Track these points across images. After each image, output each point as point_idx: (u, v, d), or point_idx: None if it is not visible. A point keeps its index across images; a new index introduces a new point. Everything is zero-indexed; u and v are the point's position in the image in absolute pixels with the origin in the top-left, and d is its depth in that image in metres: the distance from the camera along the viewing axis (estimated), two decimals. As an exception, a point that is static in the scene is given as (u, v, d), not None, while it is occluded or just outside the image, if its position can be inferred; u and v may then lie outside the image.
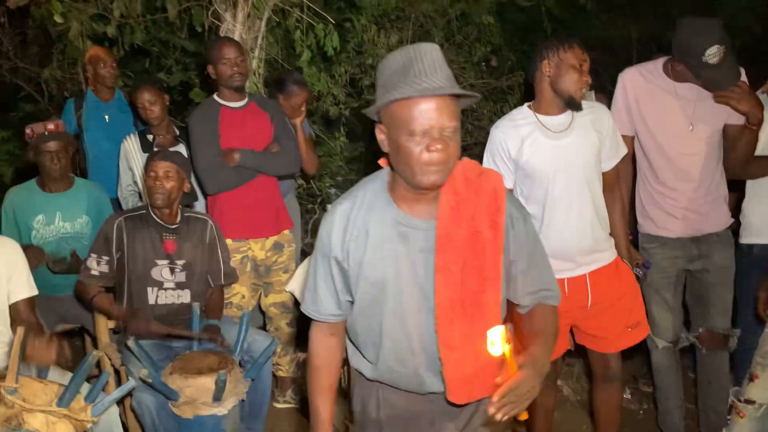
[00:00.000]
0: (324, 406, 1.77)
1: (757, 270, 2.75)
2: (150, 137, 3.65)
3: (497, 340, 1.42)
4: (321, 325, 1.78)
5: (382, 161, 1.70)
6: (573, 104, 2.47)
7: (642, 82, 2.80)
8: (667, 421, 3.05)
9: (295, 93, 3.62)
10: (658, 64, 2.81)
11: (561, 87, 2.45)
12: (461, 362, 1.62)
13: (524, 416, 1.44)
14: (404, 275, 1.63)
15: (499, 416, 1.38)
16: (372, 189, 1.68)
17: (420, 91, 1.47)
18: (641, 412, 3.51)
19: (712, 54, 2.53)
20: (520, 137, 2.50)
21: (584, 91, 2.48)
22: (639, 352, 3.54)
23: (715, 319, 2.85)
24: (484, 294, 1.62)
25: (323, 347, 1.79)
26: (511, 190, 2.57)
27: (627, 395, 3.58)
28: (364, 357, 1.78)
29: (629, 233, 2.82)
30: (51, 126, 3.24)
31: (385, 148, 1.60)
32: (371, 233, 1.64)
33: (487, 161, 2.58)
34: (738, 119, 2.73)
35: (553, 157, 2.48)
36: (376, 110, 1.58)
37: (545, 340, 1.63)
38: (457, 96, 1.54)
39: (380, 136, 1.60)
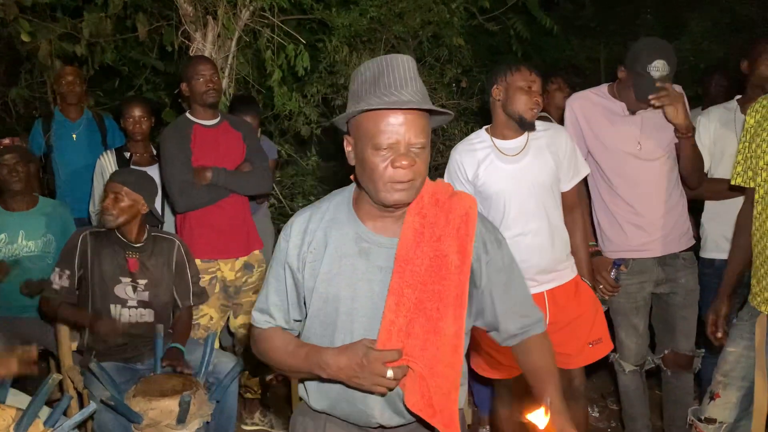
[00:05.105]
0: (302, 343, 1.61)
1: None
2: (127, 155, 3.64)
3: (540, 420, 1.37)
4: (274, 328, 1.66)
5: (353, 176, 1.62)
6: (525, 125, 2.54)
7: (590, 105, 2.86)
8: (635, 440, 3.07)
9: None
10: (603, 87, 2.88)
11: (511, 109, 2.53)
12: (411, 387, 1.53)
13: None
14: (359, 294, 1.55)
15: None
16: (336, 202, 1.62)
17: (388, 103, 1.41)
18: (609, 430, 3.52)
19: (656, 67, 2.61)
20: (477, 161, 2.56)
21: (535, 112, 2.53)
22: (606, 371, 3.58)
23: (680, 341, 2.88)
24: (442, 321, 1.53)
25: (280, 336, 1.64)
26: None
27: (595, 414, 3.60)
28: (312, 385, 1.66)
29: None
30: (6, 141, 3.22)
31: (351, 161, 1.54)
32: (330, 246, 1.56)
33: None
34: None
35: (507, 180, 2.54)
36: (343, 120, 1.53)
37: (555, 379, 1.62)
38: (429, 112, 1.48)
39: (347, 147, 1.54)
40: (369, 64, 1.51)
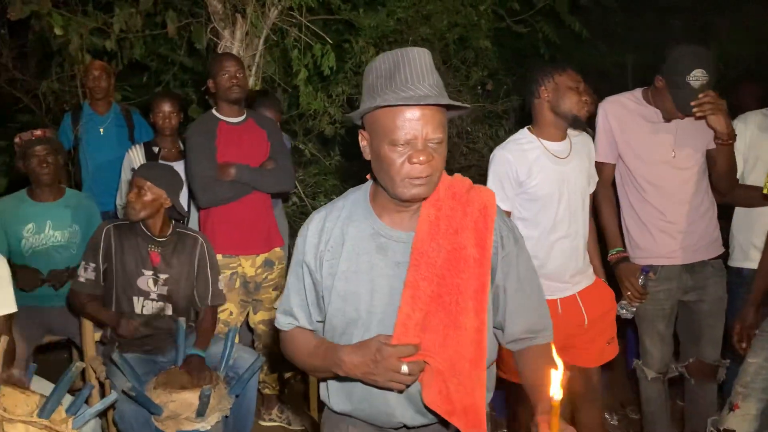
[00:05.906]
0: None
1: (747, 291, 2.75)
2: (155, 149, 3.68)
3: (556, 384, 1.23)
4: (297, 329, 1.65)
5: (370, 174, 1.61)
6: (578, 123, 2.56)
7: (623, 110, 2.82)
8: (655, 449, 3.03)
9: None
10: (637, 92, 2.83)
11: (563, 109, 2.52)
12: (428, 382, 1.50)
13: None
14: (378, 290, 1.53)
15: None
16: (353, 199, 1.61)
17: (404, 99, 1.39)
18: (628, 439, 3.50)
19: (696, 77, 2.57)
20: (529, 161, 2.54)
21: (586, 110, 2.54)
22: (626, 380, 3.54)
23: (705, 350, 2.85)
24: (462, 315, 1.50)
25: (302, 336, 1.64)
26: (509, 213, 2.59)
27: (614, 422, 3.56)
28: (333, 387, 1.64)
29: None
30: (38, 132, 3.26)
31: (366, 155, 1.53)
32: (347, 243, 1.55)
33: (492, 183, 2.58)
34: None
35: (558, 182, 2.55)
36: (358, 116, 1.51)
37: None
38: (445, 106, 1.46)
39: (362, 142, 1.53)
40: (384, 57, 1.48)
